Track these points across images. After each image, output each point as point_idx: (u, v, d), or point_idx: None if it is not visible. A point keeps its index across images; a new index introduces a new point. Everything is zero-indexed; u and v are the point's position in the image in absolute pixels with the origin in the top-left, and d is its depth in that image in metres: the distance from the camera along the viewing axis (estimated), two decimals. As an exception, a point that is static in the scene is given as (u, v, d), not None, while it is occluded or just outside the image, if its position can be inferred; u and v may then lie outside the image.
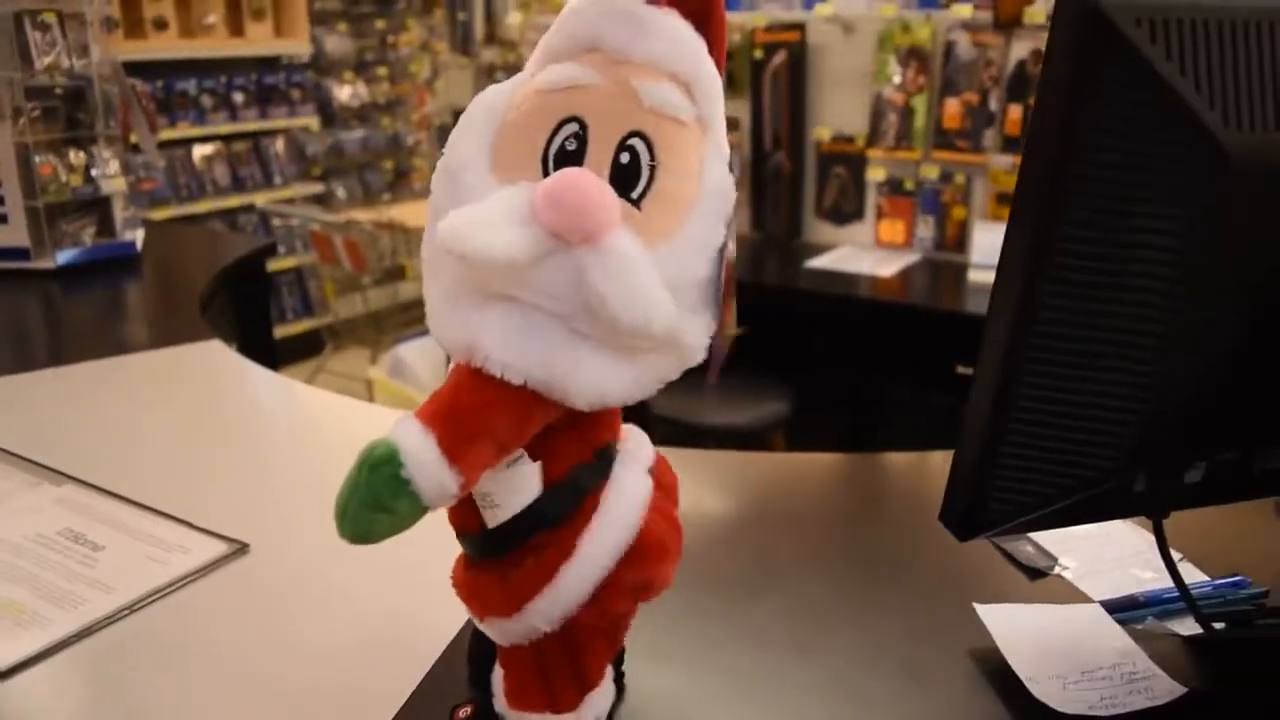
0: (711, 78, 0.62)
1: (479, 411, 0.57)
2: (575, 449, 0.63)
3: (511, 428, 0.58)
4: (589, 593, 0.63)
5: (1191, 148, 0.65)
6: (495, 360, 0.57)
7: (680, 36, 0.60)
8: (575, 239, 0.55)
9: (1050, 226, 0.67)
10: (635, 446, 0.68)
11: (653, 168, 0.59)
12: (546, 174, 0.58)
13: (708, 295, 0.60)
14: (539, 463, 0.62)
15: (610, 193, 0.56)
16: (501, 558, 0.64)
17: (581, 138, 0.59)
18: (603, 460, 0.65)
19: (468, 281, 0.58)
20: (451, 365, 0.61)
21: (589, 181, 0.56)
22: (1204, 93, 0.63)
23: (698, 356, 0.61)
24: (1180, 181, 0.66)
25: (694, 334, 0.60)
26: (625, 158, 0.58)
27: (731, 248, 0.62)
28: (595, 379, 0.58)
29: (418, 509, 0.56)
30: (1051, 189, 0.66)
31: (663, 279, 0.57)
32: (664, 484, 0.68)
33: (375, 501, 0.55)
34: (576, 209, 0.55)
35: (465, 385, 0.58)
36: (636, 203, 0.58)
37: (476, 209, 0.56)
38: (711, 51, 0.62)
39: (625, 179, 0.58)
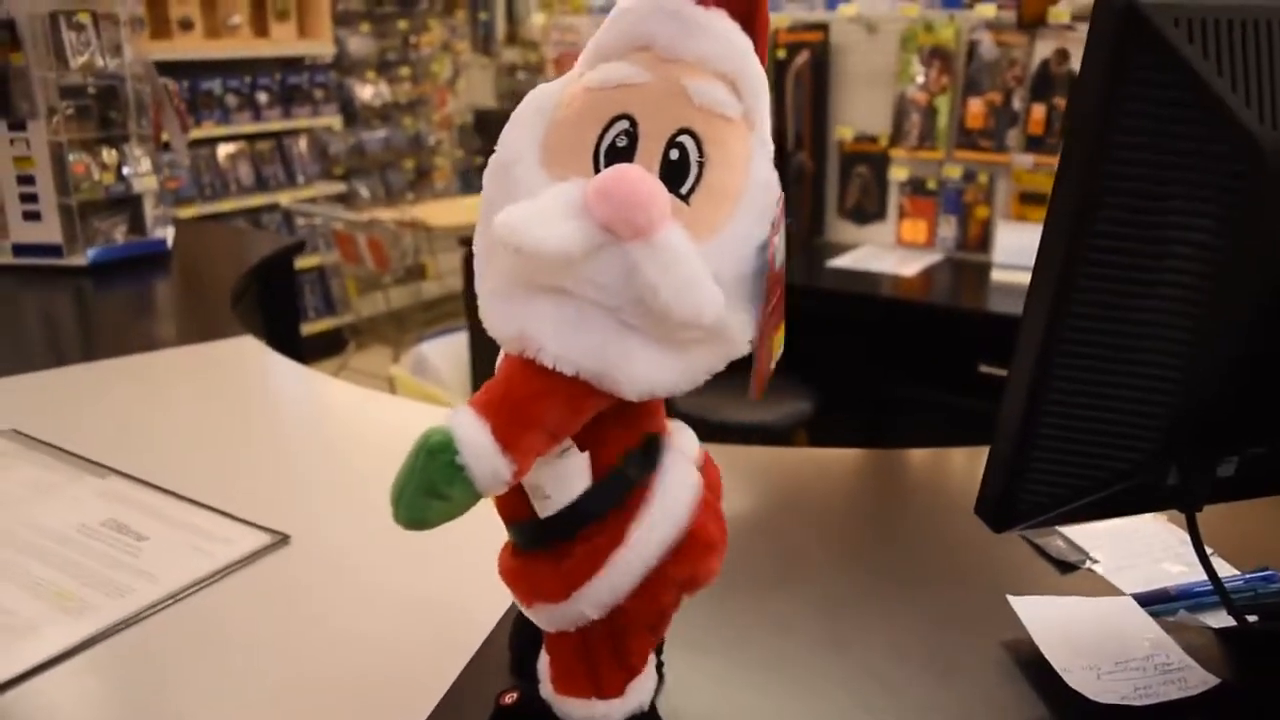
0: (757, 75, 0.63)
1: (532, 402, 0.58)
2: (622, 440, 0.65)
3: (563, 417, 0.59)
4: (638, 581, 0.64)
5: (1227, 146, 0.65)
6: (548, 352, 0.58)
7: (728, 35, 0.61)
8: (627, 233, 0.56)
9: (1085, 223, 0.68)
10: (684, 442, 0.70)
11: (701, 164, 0.60)
12: (598, 170, 0.60)
13: (754, 289, 0.61)
14: (586, 453, 0.63)
15: (661, 188, 0.57)
16: (553, 546, 0.65)
17: (632, 134, 0.60)
18: (649, 452, 0.66)
19: (520, 274, 0.60)
20: (502, 356, 0.63)
21: (640, 177, 0.57)
22: (1240, 91, 0.64)
23: (743, 349, 0.62)
24: (1215, 179, 0.66)
25: (740, 327, 0.61)
26: (675, 154, 0.60)
27: (781, 258, 0.63)
28: (644, 370, 0.59)
29: (471, 495, 0.58)
30: (1087, 186, 0.67)
31: (711, 272, 0.58)
32: (709, 479, 0.69)
33: (430, 488, 0.57)
34: (628, 204, 0.56)
35: (518, 376, 0.59)
36: (685, 198, 0.60)
37: (531, 204, 0.58)
38: (755, 49, 0.63)
39: (675, 175, 0.60)
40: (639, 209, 0.56)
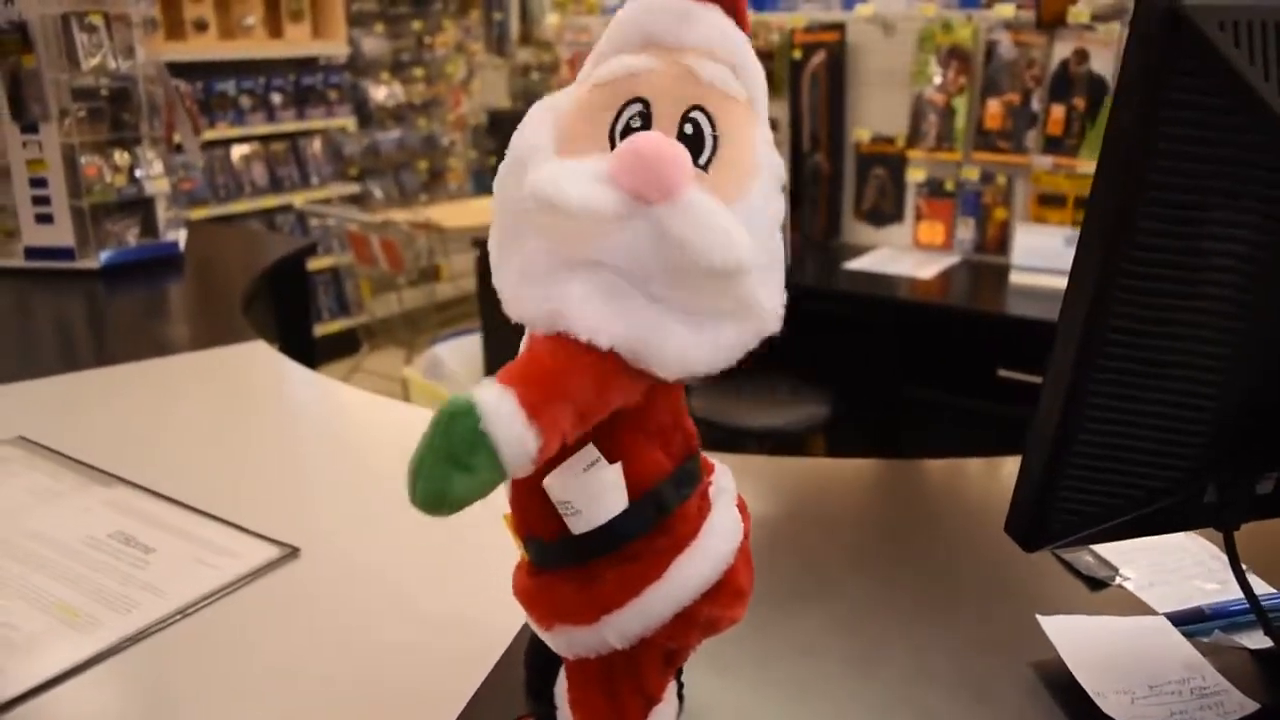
0: (756, 67, 0.63)
1: (559, 374, 0.56)
2: (655, 459, 0.63)
3: (592, 393, 0.57)
4: (669, 618, 0.63)
5: (1272, 153, 0.63)
6: (581, 325, 0.56)
7: (725, 27, 0.62)
8: (654, 195, 0.56)
9: (1124, 232, 0.65)
10: (728, 483, 0.69)
11: (716, 138, 0.60)
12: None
13: (775, 262, 0.61)
14: (618, 464, 0.61)
15: (683, 150, 0.58)
16: (580, 566, 0.63)
17: (646, 115, 0.60)
18: (684, 473, 0.65)
19: (548, 252, 0.59)
20: (525, 344, 0.61)
21: (662, 140, 0.57)
22: (1288, 96, 0.62)
23: (773, 324, 0.61)
24: (1259, 188, 0.64)
25: (770, 298, 0.60)
26: (689, 129, 0.60)
27: None
28: (677, 345, 0.58)
29: (495, 469, 0.54)
30: (1126, 193, 0.65)
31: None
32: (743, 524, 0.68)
33: (452, 455, 0.53)
34: (652, 165, 0.56)
35: (543, 351, 0.57)
36: (704, 169, 0.60)
37: (560, 166, 0.58)
38: None
39: (692, 147, 0.59)
40: (663, 169, 0.56)
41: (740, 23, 0.63)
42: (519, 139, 0.62)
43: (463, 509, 0.54)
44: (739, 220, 0.58)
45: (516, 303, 0.61)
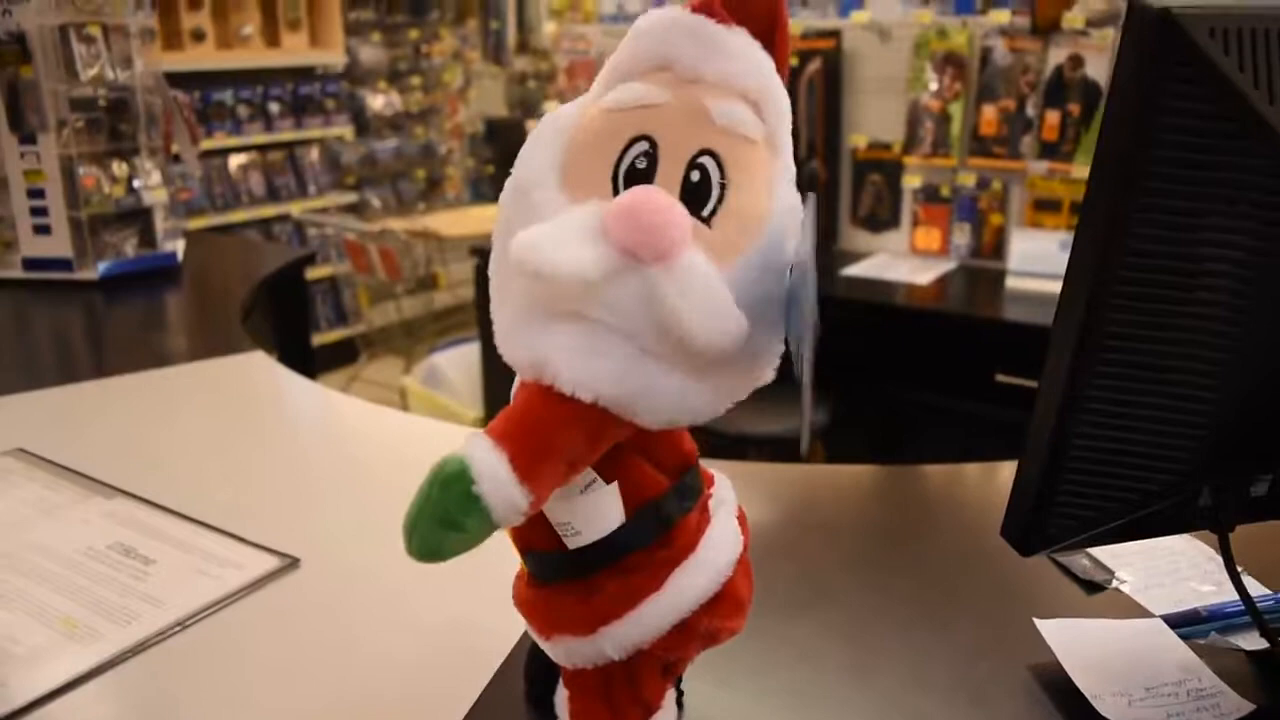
0: (780, 95, 0.61)
1: (549, 430, 0.57)
2: (655, 474, 0.63)
3: (581, 446, 0.58)
4: (668, 629, 0.63)
5: (1263, 159, 0.63)
6: (565, 379, 0.56)
7: (750, 54, 0.60)
8: (648, 257, 0.54)
9: (1117, 238, 0.66)
10: (728, 495, 0.69)
11: (723, 185, 0.58)
12: (617, 192, 0.58)
13: (778, 314, 0.60)
14: (615, 483, 0.62)
15: (682, 210, 0.56)
16: (583, 579, 0.64)
17: (652, 156, 0.58)
18: (683, 486, 0.65)
19: (537, 300, 0.58)
20: (518, 383, 0.61)
21: (661, 200, 0.55)
22: (1278, 104, 0.62)
23: (766, 376, 0.61)
24: (1251, 194, 0.65)
25: (763, 353, 0.60)
26: (695, 176, 0.58)
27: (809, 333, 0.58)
28: (665, 399, 0.57)
29: (487, 526, 0.56)
30: (1120, 200, 0.65)
31: (734, 297, 0.56)
32: (743, 535, 0.68)
33: (446, 519, 0.55)
34: (649, 228, 0.54)
35: (535, 403, 0.57)
36: (707, 220, 0.58)
37: (548, 227, 0.56)
38: (777, 68, 0.61)
39: (696, 197, 0.58)
40: (659, 232, 0.54)
41: (773, 46, 0.61)
42: (524, 161, 0.61)
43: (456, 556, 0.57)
44: (740, 277, 0.57)
45: (505, 343, 0.61)
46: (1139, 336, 0.68)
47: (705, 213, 0.58)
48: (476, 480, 0.55)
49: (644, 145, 0.58)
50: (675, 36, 0.59)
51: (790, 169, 0.62)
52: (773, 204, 0.60)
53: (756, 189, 0.59)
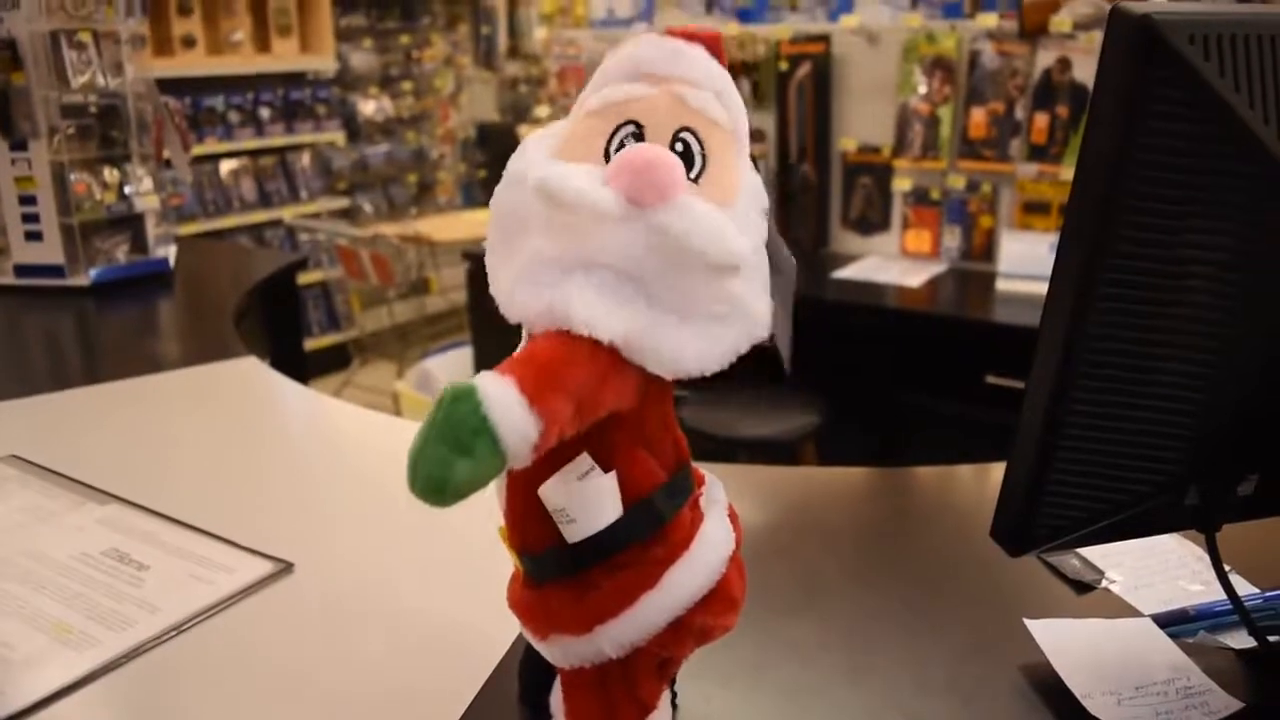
0: (738, 102, 0.66)
1: (559, 364, 0.57)
2: (651, 467, 0.64)
3: (588, 387, 0.58)
4: (663, 627, 0.64)
5: (1246, 163, 0.64)
6: (581, 318, 0.58)
7: (709, 64, 0.65)
8: (650, 198, 0.58)
9: (1103, 242, 0.66)
10: (720, 494, 0.70)
11: (704, 157, 0.62)
12: None
13: (762, 267, 0.63)
14: (613, 473, 0.62)
15: (676, 159, 0.60)
16: (575, 577, 0.64)
17: (639, 135, 0.62)
18: (676, 483, 0.66)
19: (546, 254, 0.60)
20: (524, 340, 0.62)
21: (656, 148, 0.60)
22: (1259, 108, 0.63)
23: (763, 329, 0.62)
24: (1234, 197, 0.65)
25: (760, 302, 0.62)
26: (679, 147, 0.62)
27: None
28: (674, 344, 0.59)
29: (495, 455, 0.54)
30: (1104, 205, 0.66)
31: None
32: (735, 534, 0.69)
33: (454, 439, 0.53)
34: (648, 171, 0.58)
35: (541, 344, 0.58)
36: (695, 181, 0.62)
37: (565, 165, 0.60)
38: None
39: (683, 161, 0.62)
40: (658, 173, 0.58)
41: (720, 62, 0.66)
42: (520, 156, 0.64)
43: (461, 499, 0.53)
44: (733, 221, 0.61)
45: (515, 300, 0.61)
46: (1124, 338, 0.69)
47: (692, 175, 0.62)
48: (485, 401, 0.54)
49: (631, 127, 0.62)
50: (647, 48, 0.64)
51: (750, 168, 0.66)
52: (742, 181, 0.64)
53: (729, 166, 0.64)
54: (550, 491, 0.62)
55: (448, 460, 0.53)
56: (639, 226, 0.58)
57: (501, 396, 0.54)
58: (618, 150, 0.62)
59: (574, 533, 0.63)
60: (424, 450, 0.53)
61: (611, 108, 0.63)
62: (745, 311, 0.61)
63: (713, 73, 0.65)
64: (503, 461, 0.54)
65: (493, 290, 0.64)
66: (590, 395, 0.58)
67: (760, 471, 1.34)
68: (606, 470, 0.63)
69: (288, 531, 1.09)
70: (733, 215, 0.62)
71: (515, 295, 0.61)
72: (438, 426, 0.53)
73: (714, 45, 0.66)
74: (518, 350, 0.61)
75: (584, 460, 0.62)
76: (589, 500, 0.62)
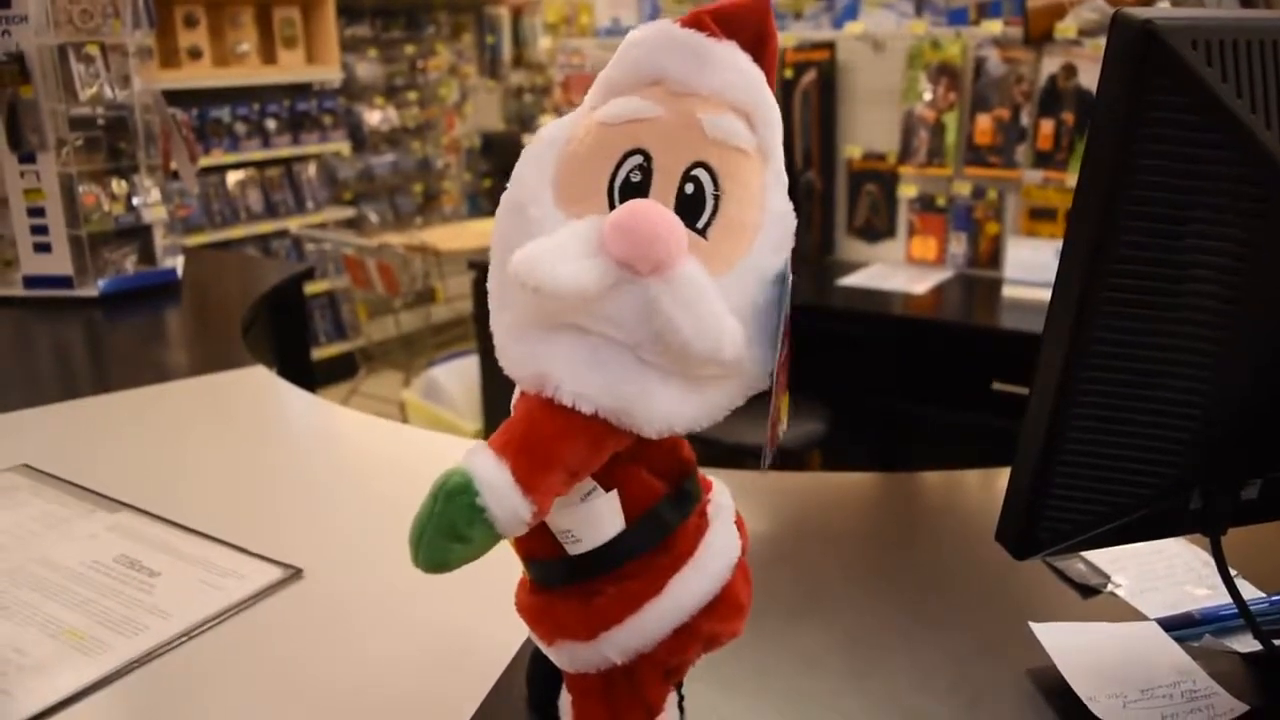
0: (771, 107, 0.62)
1: (551, 441, 0.58)
2: (653, 481, 0.64)
3: (583, 456, 0.59)
4: (668, 633, 0.64)
5: (1247, 168, 0.65)
6: (566, 390, 0.58)
7: (741, 68, 0.61)
8: (645, 269, 0.56)
9: (1105, 246, 0.67)
10: (726, 500, 0.70)
11: (717, 197, 0.60)
12: (613, 206, 0.59)
13: (770, 322, 0.61)
14: (614, 491, 0.63)
15: (678, 223, 0.57)
16: (583, 585, 0.65)
17: (646, 169, 0.59)
18: (682, 493, 0.66)
19: (536, 313, 0.59)
20: (518, 394, 0.62)
21: (656, 212, 0.56)
22: (1260, 113, 0.63)
23: (761, 383, 0.62)
24: (1235, 201, 0.66)
25: (759, 361, 0.61)
26: (690, 188, 0.59)
27: (788, 307, 0.61)
28: (663, 407, 0.59)
29: (491, 537, 0.57)
30: (1107, 209, 0.66)
31: (729, 306, 0.58)
32: (741, 540, 0.69)
33: (451, 530, 0.56)
34: (645, 240, 0.55)
35: (536, 415, 0.59)
36: (702, 232, 0.59)
37: (547, 242, 0.57)
38: (766, 79, 0.63)
39: (690, 209, 0.59)
40: (656, 244, 0.55)
41: (761, 59, 0.62)
42: (519, 177, 0.62)
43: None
44: (735, 287, 0.59)
45: (505, 355, 0.62)
46: (1128, 342, 0.69)
47: (700, 224, 0.59)
48: (480, 493, 0.56)
49: (638, 159, 0.60)
50: (667, 51, 0.60)
51: (782, 176, 0.64)
52: (764, 213, 0.61)
53: (749, 199, 0.61)
54: (556, 514, 0.63)
55: (446, 547, 0.57)
56: (631, 291, 0.56)
57: (496, 484, 0.57)
58: (622, 187, 0.60)
59: (579, 549, 0.64)
60: (423, 538, 0.57)
61: (621, 125, 0.60)
62: (741, 371, 0.61)
63: (743, 80, 0.61)
64: (498, 540, 0.58)
65: (492, 327, 0.64)
66: (586, 460, 0.60)
67: (765, 477, 1.34)
68: (608, 487, 0.63)
69: (297, 538, 1.10)
70: (740, 268, 0.60)
71: (507, 350, 0.62)
72: (435, 520, 0.57)
73: (760, 15, 0.61)
74: (514, 402, 0.62)
75: (587, 482, 0.63)
76: (592, 519, 0.63)
